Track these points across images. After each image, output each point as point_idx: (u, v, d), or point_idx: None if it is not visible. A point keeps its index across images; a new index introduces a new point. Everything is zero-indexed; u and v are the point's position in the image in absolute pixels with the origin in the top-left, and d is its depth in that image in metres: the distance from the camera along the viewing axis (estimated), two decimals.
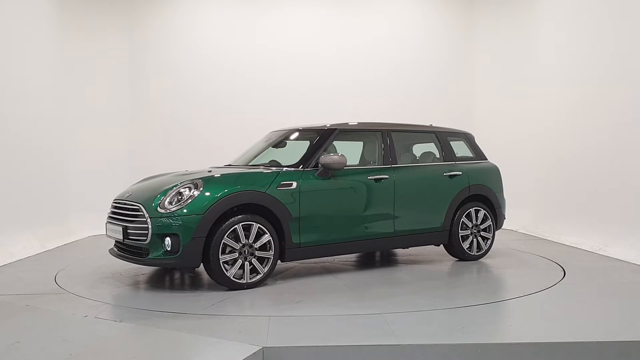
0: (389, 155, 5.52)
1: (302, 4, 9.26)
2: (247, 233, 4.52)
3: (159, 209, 4.43)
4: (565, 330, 3.48)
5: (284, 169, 5.00)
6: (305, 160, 5.08)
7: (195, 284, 4.81)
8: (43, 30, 7.74)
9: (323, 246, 5.01)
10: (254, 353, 3.04)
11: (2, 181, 6.43)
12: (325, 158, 4.95)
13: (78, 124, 8.53)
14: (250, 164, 5.58)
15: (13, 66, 6.79)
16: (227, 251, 4.46)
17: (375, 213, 5.31)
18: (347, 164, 5.10)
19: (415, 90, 9.27)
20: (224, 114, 8.97)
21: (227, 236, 4.43)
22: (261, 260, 4.60)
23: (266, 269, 4.62)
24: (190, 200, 4.41)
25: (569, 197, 7.55)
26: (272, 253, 4.63)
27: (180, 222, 4.33)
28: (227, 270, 4.44)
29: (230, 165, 5.74)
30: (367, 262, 5.92)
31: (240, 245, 4.49)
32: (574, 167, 7.44)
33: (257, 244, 4.56)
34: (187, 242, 4.33)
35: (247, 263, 4.52)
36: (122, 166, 8.66)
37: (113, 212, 4.91)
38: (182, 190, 4.52)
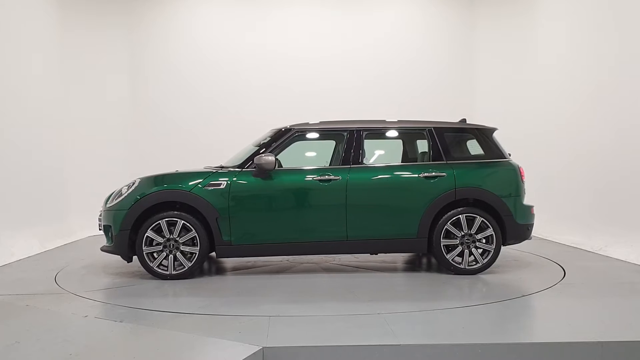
0: (350, 155, 5.18)
1: (302, 4, 9.25)
2: (174, 228, 4.91)
3: (107, 204, 5.14)
4: (565, 330, 3.49)
5: (222, 169, 5.18)
6: (248, 160, 5.16)
7: (195, 285, 4.81)
8: (42, 30, 7.74)
9: (258, 245, 5.04)
10: (254, 353, 3.05)
11: (2, 181, 6.43)
12: (258, 159, 4.97)
13: (77, 123, 8.52)
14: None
15: (12, 67, 6.79)
16: (153, 244, 4.92)
17: (321, 215, 5.05)
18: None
19: (415, 90, 9.25)
20: (224, 115, 8.98)
21: (151, 230, 4.87)
22: (190, 254, 4.96)
23: (191, 262, 4.95)
24: (122, 198, 5.00)
25: (569, 197, 7.54)
26: (198, 248, 4.92)
27: (112, 217, 5.00)
28: (151, 261, 4.92)
29: (221, 165, 5.72)
30: (368, 264, 5.92)
31: (165, 239, 4.90)
32: (574, 167, 7.43)
33: (182, 239, 4.92)
34: (116, 233, 4.96)
35: (172, 256, 4.92)
36: (122, 166, 8.65)
37: None
38: (123, 188, 5.12)
